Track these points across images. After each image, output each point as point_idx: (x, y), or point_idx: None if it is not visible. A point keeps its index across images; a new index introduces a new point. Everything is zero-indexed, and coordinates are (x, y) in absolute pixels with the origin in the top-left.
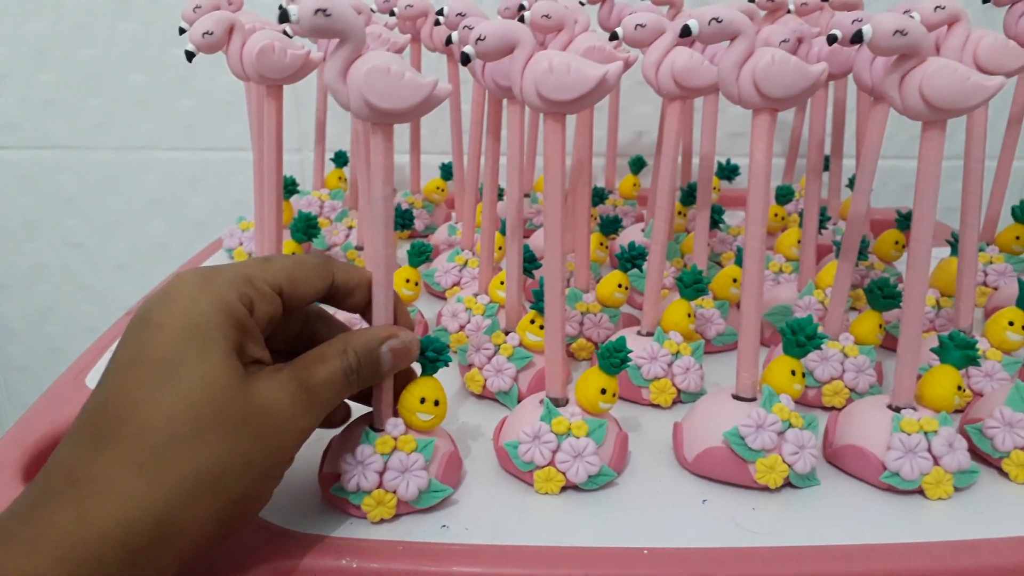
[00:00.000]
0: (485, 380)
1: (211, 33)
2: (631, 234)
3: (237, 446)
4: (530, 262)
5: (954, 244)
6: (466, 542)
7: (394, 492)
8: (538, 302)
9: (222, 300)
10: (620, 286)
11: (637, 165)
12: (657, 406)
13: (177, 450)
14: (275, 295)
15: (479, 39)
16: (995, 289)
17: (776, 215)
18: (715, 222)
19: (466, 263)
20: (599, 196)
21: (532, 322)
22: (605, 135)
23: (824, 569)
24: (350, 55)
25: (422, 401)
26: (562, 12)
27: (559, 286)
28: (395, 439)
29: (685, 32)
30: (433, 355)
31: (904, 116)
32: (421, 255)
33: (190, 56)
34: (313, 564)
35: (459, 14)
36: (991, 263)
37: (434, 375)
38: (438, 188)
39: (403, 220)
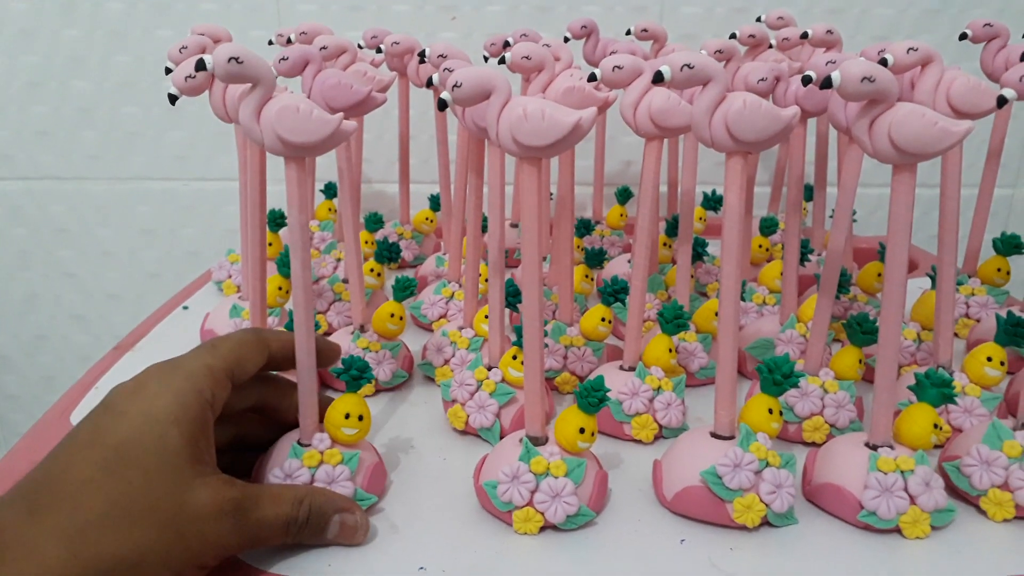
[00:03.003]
0: (468, 416)
1: (193, 77)
2: (618, 265)
3: (159, 541)
4: (514, 296)
5: (935, 278)
6: None
7: None
8: (520, 338)
9: (183, 394)
10: (603, 320)
11: (624, 195)
12: (639, 442)
13: (105, 532)
14: (227, 380)
15: (455, 86)
16: (977, 321)
17: (760, 246)
18: (699, 254)
19: (452, 295)
20: (586, 227)
21: (514, 358)
22: (592, 165)
23: None
24: (262, 97)
25: (347, 416)
26: (542, 53)
27: (538, 328)
28: (321, 453)
29: (658, 78)
30: (356, 373)
31: (874, 159)
32: (405, 290)
33: (173, 99)
34: None
35: (440, 55)
36: (973, 295)
37: (357, 392)
38: (427, 219)
39: (390, 253)
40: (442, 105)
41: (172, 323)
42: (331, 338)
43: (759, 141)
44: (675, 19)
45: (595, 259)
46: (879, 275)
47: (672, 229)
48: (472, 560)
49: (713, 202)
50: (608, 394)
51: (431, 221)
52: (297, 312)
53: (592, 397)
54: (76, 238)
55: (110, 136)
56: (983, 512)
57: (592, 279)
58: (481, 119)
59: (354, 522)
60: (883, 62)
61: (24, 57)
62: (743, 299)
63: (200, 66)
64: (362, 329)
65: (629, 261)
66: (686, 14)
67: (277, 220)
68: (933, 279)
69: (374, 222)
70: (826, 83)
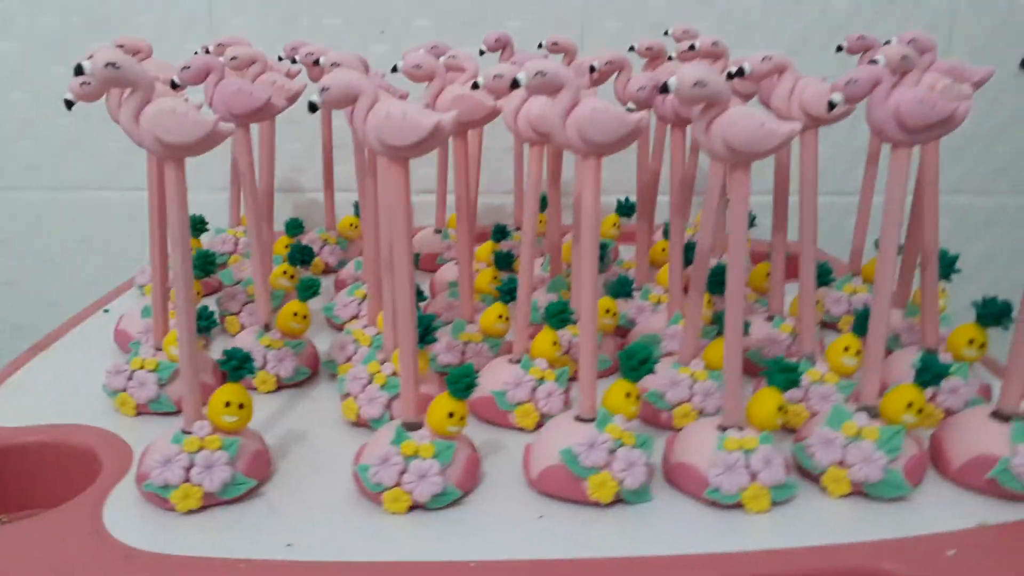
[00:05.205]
0: (359, 408)
1: (88, 83)
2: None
3: None
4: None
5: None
6: (307, 559)
7: (200, 485)
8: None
9: None
10: (500, 316)
11: (543, 203)
12: (522, 430)
13: None
14: None
15: (323, 89)
16: None
17: (663, 250)
18: (600, 257)
19: (365, 296)
20: (502, 233)
21: None
22: (513, 175)
23: None
24: (141, 100)
25: (227, 405)
26: (432, 63)
27: (410, 320)
28: (201, 439)
29: (514, 84)
30: (237, 364)
31: (711, 158)
32: (308, 289)
33: (69, 104)
34: None
35: (334, 64)
36: (855, 293)
37: (239, 382)
38: (351, 225)
39: (302, 256)
40: (312, 108)
41: (90, 325)
42: (238, 336)
43: (609, 143)
44: (595, 34)
45: (504, 262)
46: (767, 275)
47: None
48: (339, 536)
49: (626, 209)
50: (490, 384)
51: (355, 227)
52: (179, 304)
53: (461, 383)
54: (14, 247)
55: (47, 147)
56: (825, 489)
57: (500, 280)
58: None
59: None
60: (740, 71)
61: None
62: (640, 298)
63: (78, 71)
64: (266, 328)
65: (542, 265)
66: (607, 29)
67: (196, 225)
68: (823, 280)
69: (294, 227)
70: (664, 88)
